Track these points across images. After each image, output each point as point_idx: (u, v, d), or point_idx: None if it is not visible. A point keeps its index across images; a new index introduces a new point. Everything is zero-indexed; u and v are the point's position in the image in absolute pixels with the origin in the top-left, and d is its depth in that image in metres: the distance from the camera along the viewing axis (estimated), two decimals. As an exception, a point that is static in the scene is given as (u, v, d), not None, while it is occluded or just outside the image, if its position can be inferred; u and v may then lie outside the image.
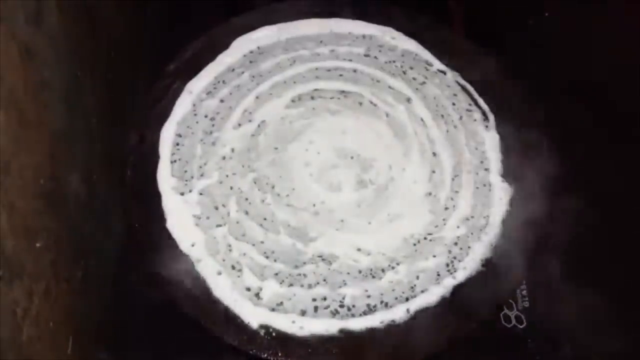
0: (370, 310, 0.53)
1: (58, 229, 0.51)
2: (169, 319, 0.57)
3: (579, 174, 0.63)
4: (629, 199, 0.55)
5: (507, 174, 0.61)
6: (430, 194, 0.60)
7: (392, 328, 0.52)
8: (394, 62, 0.68)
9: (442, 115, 0.65)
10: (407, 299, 0.53)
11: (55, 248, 0.50)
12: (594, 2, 0.61)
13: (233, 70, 0.67)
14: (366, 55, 0.69)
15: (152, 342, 0.60)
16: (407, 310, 0.53)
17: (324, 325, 0.52)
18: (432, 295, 0.54)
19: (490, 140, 0.63)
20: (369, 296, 0.53)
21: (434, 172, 0.61)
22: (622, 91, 0.57)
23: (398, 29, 0.71)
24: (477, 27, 0.80)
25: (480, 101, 0.66)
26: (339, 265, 0.55)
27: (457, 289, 0.54)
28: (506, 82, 0.67)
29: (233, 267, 0.55)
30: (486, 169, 0.61)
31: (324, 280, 0.54)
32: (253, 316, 0.52)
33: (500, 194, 0.60)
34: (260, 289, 0.54)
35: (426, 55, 0.69)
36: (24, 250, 0.45)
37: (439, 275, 0.55)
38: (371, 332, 0.52)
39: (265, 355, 0.51)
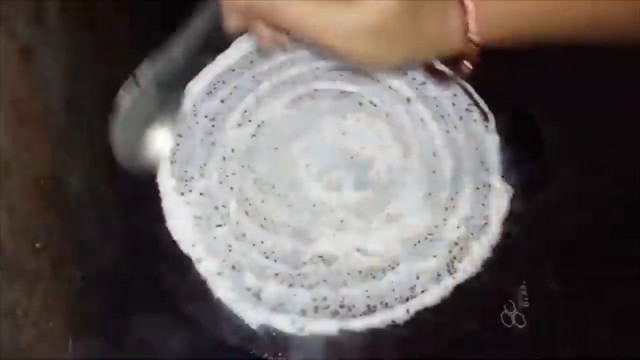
0: (370, 310, 0.53)
1: (58, 229, 0.51)
2: (169, 319, 0.57)
3: (579, 174, 0.63)
4: (630, 199, 0.55)
5: (507, 174, 0.61)
6: (430, 194, 0.60)
7: (392, 328, 0.52)
8: (394, 62, 0.68)
9: (442, 115, 0.64)
10: (407, 299, 0.53)
11: (55, 248, 0.50)
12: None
13: (233, 70, 0.67)
14: (366, 56, 0.69)
15: (152, 342, 0.60)
16: (407, 311, 0.53)
17: (324, 326, 0.52)
18: (432, 295, 0.54)
19: (490, 140, 0.63)
20: (369, 296, 0.53)
21: (434, 172, 0.61)
22: (622, 91, 0.57)
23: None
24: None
25: (480, 101, 0.66)
26: (339, 265, 0.55)
27: (457, 289, 0.54)
28: (506, 82, 0.67)
29: (233, 267, 0.55)
30: (486, 169, 0.61)
31: (324, 280, 0.54)
32: (253, 316, 0.52)
33: (500, 194, 0.60)
34: (261, 289, 0.54)
35: (426, 55, 0.69)
36: (24, 250, 0.45)
37: (439, 275, 0.55)
38: (371, 332, 0.52)
39: (265, 355, 0.51)
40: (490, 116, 0.65)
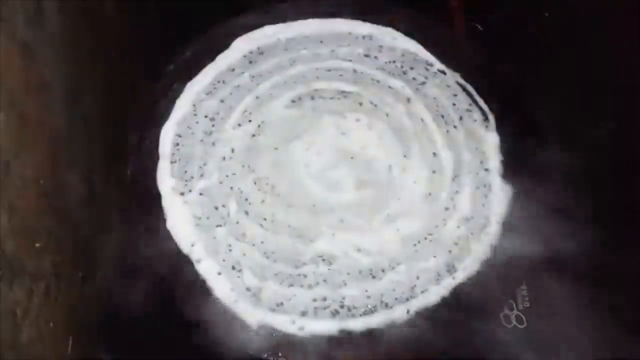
0: (370, 310, 0.53)
1: (58, 229, 0.51)
2: (169, 319, 0.57)
3: (579, 174, 0.63)
4: (630, 198, 0.55)
5: (507, 174, 0.61)
6: (430, 194, 0.60)
7: (392, 328, 0.52)
8: (394, 62, 0.68)
9: (442, 115, 0.65)
10: (407, 299, 0.54)
11: (55, 248, 0.50)
12: (594, 2, 0.61)
13: (233, 70, 0.67)
14: (366, 55, 0.69)
15: (152, 342, 0.60)
16: (407, 311, 0.53)
17: (324, 326, 0.52)
18: (432, 296, 0.54)
19: (490, 140, 0.63)
20: (369, 296, 0.53)
21: (434, 172, 0.61)
22: (622, 91, 0.57)
23: (398, 29, 0.71)
24: (477, 27, 0.80)
25: (480, 101, 0.66)
26: (339, 265, 0.55)
27: (457, 289, 0.54)
28: (506, 82, 0.67)
29: (233, 268, 0.55)
30: (486, 169, 0.61)
31: (324, 280, 0.54)
32: (253, 316, 0.52)
33: (500, 194, 0.60)
34: (260, 290, 0.54)
35: (426, 55, 0.69)
36: (24, 250, 0.45)
37: (439, 275, 0.55)
38: (371, 332, 0.52)
39: (265, 355, 0.51)
40: (490, 116, 0.65)
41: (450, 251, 0.56)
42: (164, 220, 0.57)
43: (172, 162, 0.61)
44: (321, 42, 0.70)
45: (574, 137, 0.65)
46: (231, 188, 0.59)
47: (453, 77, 0.67)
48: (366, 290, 0.54)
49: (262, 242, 0.56)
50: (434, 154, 0.62)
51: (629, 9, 0.56)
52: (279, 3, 0.73)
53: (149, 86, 0.66)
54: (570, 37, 0.66)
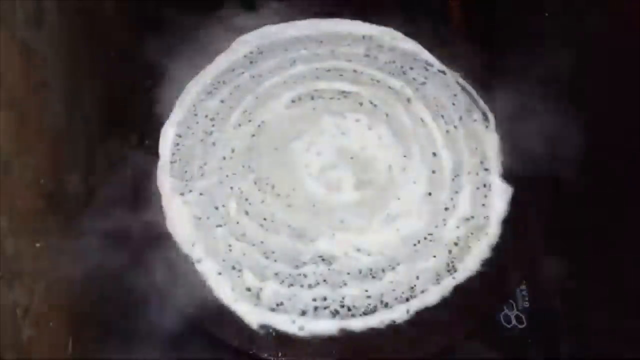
0: (370, 310, 0.53)
1: (58, 229, 0.51)
2: (169, 319, 0.57)
3: (579, 174, 0.63)
4: (630, 198, 0.55)
5: (507, 174, 0.61)
6: (430, 194, 0.60)
7: (392, 328, 0.52)
8: (394, 62, 0.68)
9: (442, 115, 0.64)
10: (407, 299, 0.53)
11: (55, 248, 0.50)
12: (594, 2, 0.61)
13: (233, 70, 0.67)
14: (366, 56, 0.69)
15: (152, 342, 0.60)
16: (407, 311, 0.53)
17: (324, 326, 0.52)
18: (432, 295, 0.54)
19: (490, 140, 0.63)
20: (369, 296, 0.53)
21: (434, 172, 0.61)
22: (622, 91, 0.57)
23: (398, 29, 0.71)
24: (477, 27, 0.80)
25: (480, 101, 0.66)
26: (339, 265, 0.55)
27: (457, 289, 0.54)
28: (506, 82, 0.67)
29: (233, 268, 0.55)
30: (486, 169, 0.61)
31: (324, 280, 0.54)
32: (253, 316, 0.52)
33: (500, 194, 0.60)
34: (260, 289, 0.54)
35: (426, 55, 0.69)
36: (24, 250, 0.45)
37: (439, 275, 0.55)
38: (371, 332, 0.52)
39: (265, 355, 0.51)
40: (490, 116, 0.65)
41: (450, 251, 0.56)
42: (164, 220, 0.57)
43: (172, 162, 0.61)
44: (321, 42, 0.70)
45: (575, 137, 0.65)
46: (231, 188, 0.59)
47: (453, 77, 0.67)
48: (366, 290, 0.54)
49: (262, 242, 0.56)
50: (434, 154, 0.62)
51: (629, 9, 0.56)
52: (279, 3, 0.73)
53: (149, 86, 0.66)
54: (571, 37, 0.66)
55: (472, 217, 0.58)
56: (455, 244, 0.57)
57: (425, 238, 0.57)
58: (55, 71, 0.50)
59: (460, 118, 0.64)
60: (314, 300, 0.53)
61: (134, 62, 0.71)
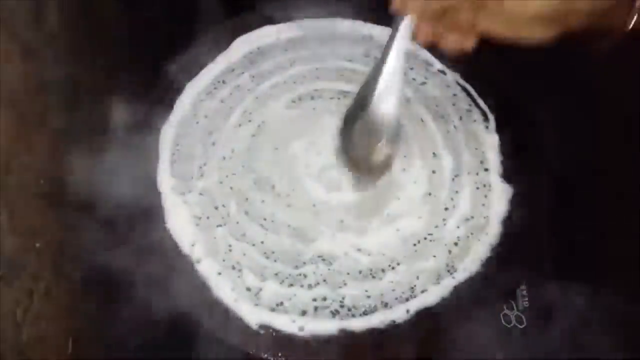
0: (370, 310, 0.53)
1: (58, 229, 0.51)
2: (169, 320, 0.57)
3: (579, 174, 0.63)
4: (631, 198, 0.55)
5: (507, 174, 0.61)
6: (430, 194, 0.60)
7: (392, 328, 0.52)
8: (394, 62, 0.68)
9: (442, 116, 0.64)
10: (407, 299, 0.53)
11: (55, 248, 0.50)
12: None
13: (233, 70, 0.67)
14: (366, 56, 0.69)
15: (152, 342, 0.60)
16: (407, 311, 0.53)
17: (324, 326, 0.52)
18: (432, 295, 0.54)
19: (490, 140, 0.63)
20: (369, 296, 0.53)
21: (434, 172, 0.61)
22: (622, 91, 0.57)
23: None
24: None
25: (480, 101, 0.66)
26: (339, 265, 0.55)
27: (457, 289, 0.54)
28: (506, 82, 0.67)
29: (233, 268, 0.55)
30: (486, 169, 0.61)
31: (324, 280, 0.54)
32: (253, 316, 0.52)
33: (500, 194, 0.60)
34: (260, 289, 0.54)
35: (426, 55, 0.69)
36: (24, 250, 0.45)
37: (439, 275, 0.55)
38: (371, 332, 0.52)
39: (265, 356, 0.51)
40: (490, 116, 0.65)
41: (450, 251, 0.56)
42: (164, 220, 0.57)
43: (172, 162, 0.61)
44: (321, 42, 0.70)
45: (575, 137, 0.65)
46: (231, 188, 0.59)
47: (453, 77, 0.67)
48: (366, 290, 0.54)
49: (262, 242, 0.56)
50: (434, 154, 0.62)
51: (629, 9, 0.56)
52: (279, 3, 0.73)
53: (149, 86, 0.66)
54: (570, 37, 0.66)
55: (472, 217, 0.58)
56: (455, 244, 0.57)
57: (425, 238, 0.57)
58: (55, 71, 0.50)
59: (460, 118, 0.65)
60: (314, 300, 0.53)
61: (134, 62, 0.71)
